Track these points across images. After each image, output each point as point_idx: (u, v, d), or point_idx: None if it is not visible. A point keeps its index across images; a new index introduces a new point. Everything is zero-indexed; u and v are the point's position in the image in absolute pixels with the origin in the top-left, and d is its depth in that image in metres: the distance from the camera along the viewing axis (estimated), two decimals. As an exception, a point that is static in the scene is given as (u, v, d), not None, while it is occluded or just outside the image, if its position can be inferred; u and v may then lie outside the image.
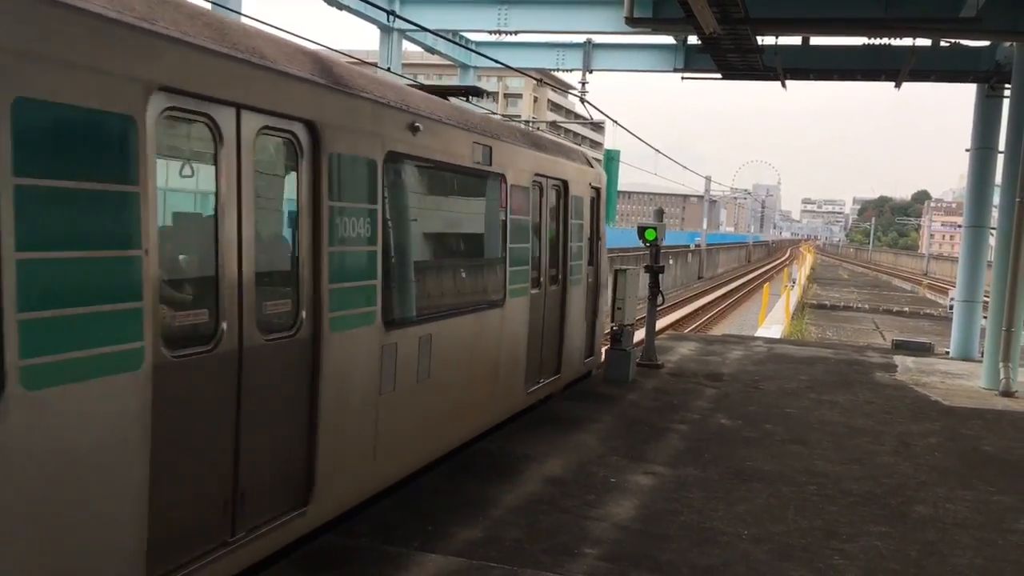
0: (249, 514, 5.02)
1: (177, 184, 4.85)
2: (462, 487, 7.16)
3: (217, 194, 4.76)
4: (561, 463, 8.04)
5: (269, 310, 5.25)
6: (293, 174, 5.56)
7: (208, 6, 5.41)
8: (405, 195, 7.09)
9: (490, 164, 8.49)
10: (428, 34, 15.89)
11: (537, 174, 9.81)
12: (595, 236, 12.22)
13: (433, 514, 6.47)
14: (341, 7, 14.09)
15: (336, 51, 9.48)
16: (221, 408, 4.81)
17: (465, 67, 19.56)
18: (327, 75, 5.80)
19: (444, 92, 8.73)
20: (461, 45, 18.10)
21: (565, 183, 10.76)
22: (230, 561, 4.84)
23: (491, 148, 8.50)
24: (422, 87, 8.77)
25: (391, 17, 13.84)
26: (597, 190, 12.26)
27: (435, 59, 22.88)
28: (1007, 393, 12.76)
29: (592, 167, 12.34)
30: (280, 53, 5.36)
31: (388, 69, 13.48)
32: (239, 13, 11.69)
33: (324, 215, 5.62)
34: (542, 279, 10.19)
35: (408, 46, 18.30)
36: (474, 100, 9.57)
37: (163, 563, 4.35)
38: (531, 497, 7.03)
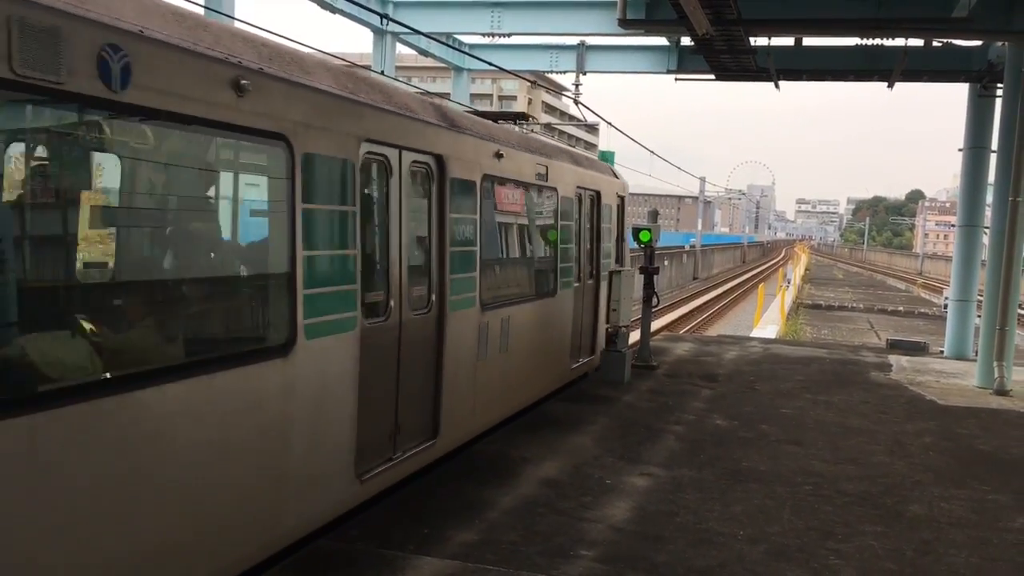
0: (403, 441, 6.97)
1: (364, 204, 6.43)
2: (459, 490, 7.17)
3: (388, 210, 6.76)
4: (557, 465, 8.04)
5: (415, 294, 7.19)
6: (427, 194, 7.48)
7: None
8: (493, 206, 8.95)
9: (547, 180, 10.34)
10: (422, 37, 15.89)
11: (578, 186, 11.51)
12: (620, 237, 13.84)
13: (429, 517, 6.47)
14: (334, 10, 14.08)
15: (329, 54, 9.52)
16: (389, 361, 6.76)
17: (459, 70, 19.55)
18: (445, 119, 7.86)
19: (496, 117, 10.53)
20: (454, 48, 18.11)
21: (598, 193, 12.45)
22: (393, 472, 6.80)
23: (547, 167, 10.36)
24: (477, 112, 10.56)
25: (384, 20, 13.84)
26: (622, 198, 13.99)
27: (428, 61, 22.86)
28: (1001, 392, 12.79)
29: (618, 178, 14.08)
30: (417, 104, 7.52)
31: (382, 72, 13.47)
32: (232, 17, 11.68)
33: (447, 223, 7.63)
34: (581, 274, 11.84)
35: (402, 48, 18.30)
36: (522, 122, 11.15)
37: (361, 464, 6.27)
38: (527, 499, 7.04)
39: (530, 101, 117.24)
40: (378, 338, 6.47)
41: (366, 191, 6.51)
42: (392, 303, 6.74)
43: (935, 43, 15.97)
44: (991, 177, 15.54)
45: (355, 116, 6.12)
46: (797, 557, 6.09)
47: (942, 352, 17.47)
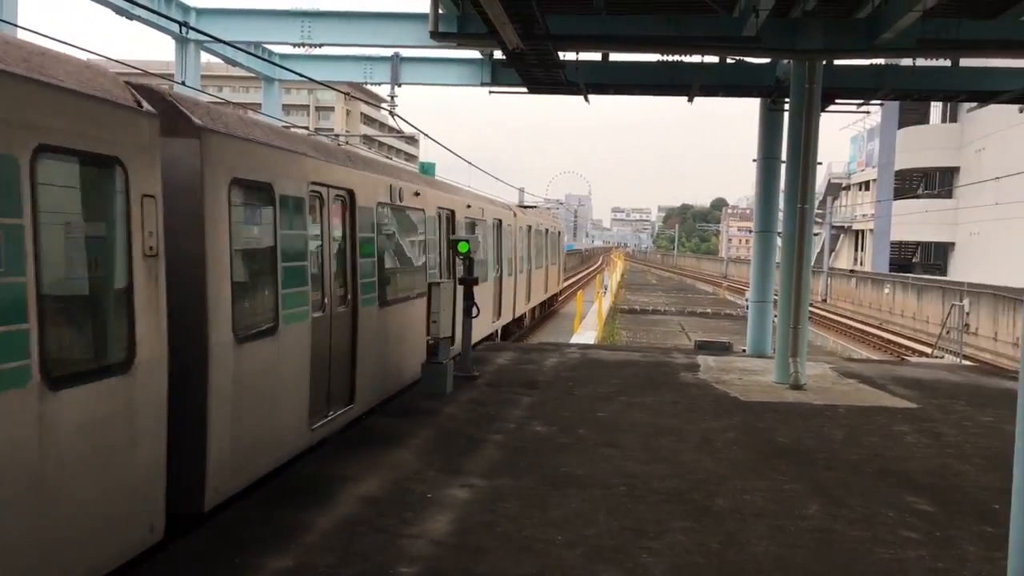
0: (333, 404, 9.36)
1: (311, 229, 8.80)
2: (274, 515, 6.93)
3: (329, 234, 9.29)
4: (378, 482, 7.93)
5: (338, 292, 9.55)
6: (344, 219, 9.83)
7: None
8: (384, 225, 11.26)
9: (419, 203, 12.93)
10: (228, 46, 15.36)
11: (439, 207, 14.33)
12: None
13: (242, 545, 6.21)
14: (131, 17, 13.39)
15: (126, 64, 9.22)
16: (325, 344, 9.02)
17: (269, 80, 19.07)
18: (356, 162, 10.53)
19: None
20: (263, 58, 17.61)
21: (453, 212, 15.33)
22: (328, 426, 9.18)
23: (420, 192, 12.99)
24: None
25: (184, 28, 13.28)
26: (560, 232, 22.24)
27: (239, 71, 22.14)
28: (796, 386, 13.71)
29: (558, 221, 26.49)
30: (341, 153, 10.45)
31: (183, 82, 12.90)
32: (17, 26, 10.91)
33: (358, 241, 9.94)
34: (442, 278, 14.05)
35: (213, 57, 17.63)
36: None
37: (313, 418, 8.71)
38: (346, 519, 6.89)
39: (348, 112, 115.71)
40: (319, 327, 8.75)
41: (311, 218, 8.72)
42: (327, 300, 9.11)
43: (729, 60, 17.01)
44: (783, 185, 16.63)
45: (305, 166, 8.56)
46: (612, 558, 6.26)
47: (744, 351, 18.55)
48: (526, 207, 26.92)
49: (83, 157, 5.11)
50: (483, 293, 16.74)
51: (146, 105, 5.71)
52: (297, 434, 8.34)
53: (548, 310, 35.54)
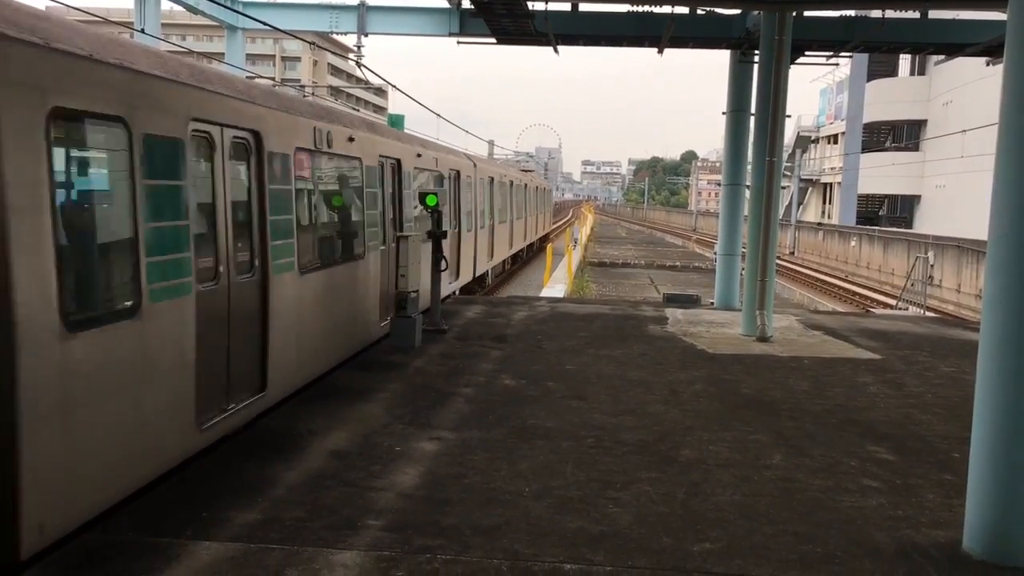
0: (235, 395, 7.77)
1: (194, 179, 7.14)
2: (240, 469, 6.90)
3: (224, 185, 7.66)
4: (346, 435, 7.93)
5: (240, 258, 7.89)
6: (249, 167, 8.18)
7: None
8: (306, 177, 9.86)
9: (353, 150, 11.32)
10: (189, -7, 14.97)
11: (381, 155, 12.65)
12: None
13: (208, 500, 6.19)
14: (88, -38, 12.97)
15: (84, 11, 8.87)
16: (221, 322, 7.50)
17: (233, 29, 18.65)
18: (267, 98, 8.64)
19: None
20: (226, 6, 17.20)
21: (399, 161, 13.69)
22: (228, 422, 7.61)
23: (354, 138, 11.23)
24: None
25: (142, -26, 12.92)
26: (538, 187, 24.54)
27: (202, 19, 21.63)
28: (763, 339, 13.85)
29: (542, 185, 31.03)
30: (243, 85, 8.44)
31: (142, 30, 12.57)
32: None
33: (268, 195, 8.31)
34: (387, 238, 12.86)
35: (174, 5, 17.19)
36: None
37: (204, 415, 7.13)
38: (314, 473, 6.89)
39: (315, 63, 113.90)
40: (206, 299, 7.14)
41: (196, 164, 7.17)
42: (221, 269, 7.48)
43: (699, 11, 16.87)
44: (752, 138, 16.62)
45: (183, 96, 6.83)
46: (579, 508, 6.32)
47: (712, 304, 18.69)
48: (508, 162, 29.82)
49: None
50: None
51: None
52: (180, 437, 6.74)
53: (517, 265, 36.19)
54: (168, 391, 6.54)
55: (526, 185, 33.53)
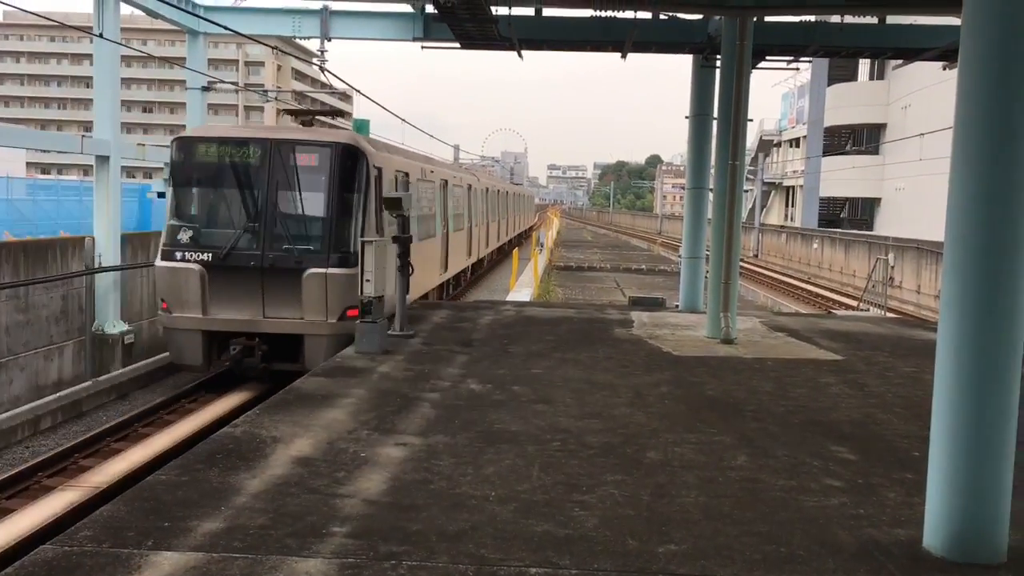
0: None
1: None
2: (202, 478, 6.82)
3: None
4: (311, 442, 7.87)
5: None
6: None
7: None
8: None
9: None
10: (149, -3, 14.80)
11: (471, 185, 21.53)
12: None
13: (169, 510, 6.11)
14: (44, -35, 12.80)
15: (42, 16, 8.65)
16: (443, 246, 19.22)
17: (194, 34, 18.47)
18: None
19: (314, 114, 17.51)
20: (187, 11, 17.03)
21: (527, 196, 25.10)
22: (443, 275, 19.80)
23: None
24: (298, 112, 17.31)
25: (100, -23, 12.75)
26: (499, 191, 31.98)
27: (163, 24, 21.39)
28: (727, 341, 13.96)
29: (528, 193, 49.18)
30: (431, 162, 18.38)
31: (101, 35, 12.41)
32: None
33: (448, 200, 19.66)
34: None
35: (134, 9, 16.98)
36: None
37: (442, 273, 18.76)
38: (278, 481, 6.83)
39: (279, 68, 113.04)
40: None
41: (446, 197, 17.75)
42: None
43: (662, 16, 16.99)
44: (715, 142, 16.76)
45: (439, 171, 15.55)
46: (544, 512, 6.32)
47: (677, 306, 18.81)
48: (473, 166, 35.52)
49: None
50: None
51: None
52: (436, 278, 12.93)
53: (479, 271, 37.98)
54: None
55: (517, 193, 54.90)
